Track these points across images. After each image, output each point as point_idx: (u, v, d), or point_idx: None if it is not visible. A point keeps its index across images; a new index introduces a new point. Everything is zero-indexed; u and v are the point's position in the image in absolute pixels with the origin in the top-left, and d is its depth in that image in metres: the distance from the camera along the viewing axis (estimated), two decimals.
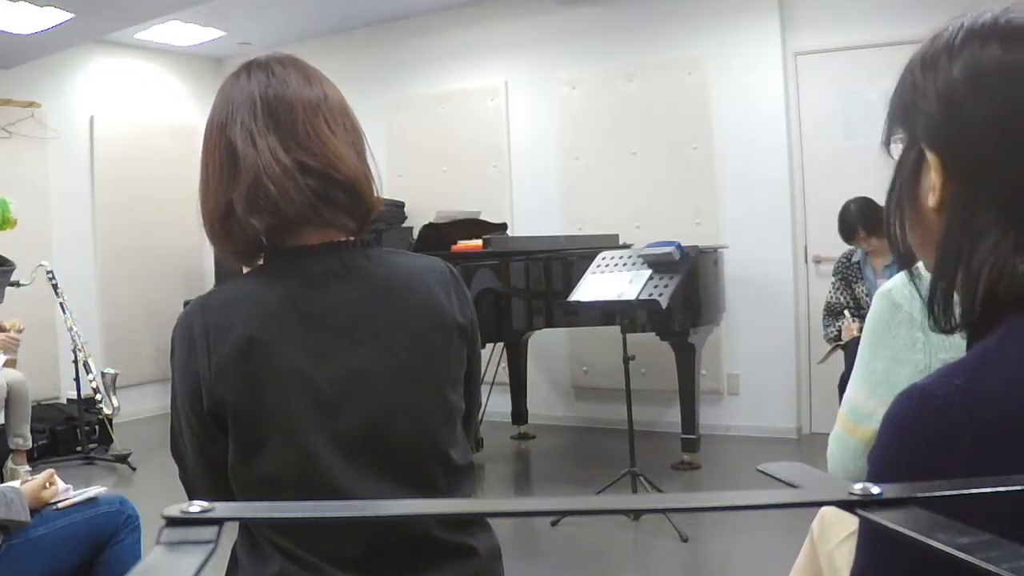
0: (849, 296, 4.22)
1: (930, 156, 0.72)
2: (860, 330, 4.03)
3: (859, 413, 1.39)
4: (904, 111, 0.75)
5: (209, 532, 0.44)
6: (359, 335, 1.14)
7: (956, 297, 0.72)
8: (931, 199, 0.72)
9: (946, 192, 0.71)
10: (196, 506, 0.46)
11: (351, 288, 1.16)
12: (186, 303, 5.87)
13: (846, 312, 4.18)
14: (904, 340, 1.34)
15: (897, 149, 0.77)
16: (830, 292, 4.29)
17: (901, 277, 1.34)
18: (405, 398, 1.15)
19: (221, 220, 1.14)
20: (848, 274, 4.24)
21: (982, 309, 0.68)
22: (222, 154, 1.14)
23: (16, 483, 2.14)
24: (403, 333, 1.16)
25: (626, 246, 5.08)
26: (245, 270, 1.21)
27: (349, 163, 1.15)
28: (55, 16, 4.79)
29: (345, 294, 1.15)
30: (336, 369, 1.12)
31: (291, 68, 1.20)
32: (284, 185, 1.10)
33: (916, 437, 0.63)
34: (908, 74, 0.76)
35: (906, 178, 0.75)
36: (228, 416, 1.10)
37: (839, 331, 4.17)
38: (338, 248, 1.17)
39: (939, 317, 0.73)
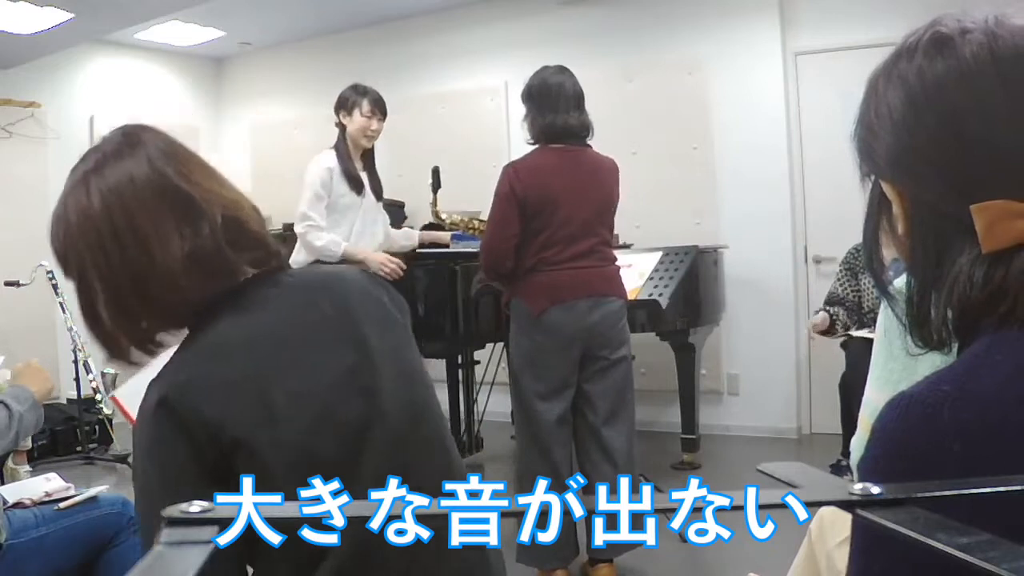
0: (853, 287, 4.21)
1: (885, 186, 0.74)
2: (820, 325, 4.05)
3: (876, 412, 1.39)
4: (860, 143, 0.78)
5: (209, 532, 0.44)
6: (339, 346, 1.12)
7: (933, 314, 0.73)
8: (900, 227, 0.74)
9: (908, 217, 0.72)
10: (196, 506, 0.46)
11: (291, 311, 1.13)
12: None
13: (821, 309, 4.20)
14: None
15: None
16: (834, 283, 4.29)
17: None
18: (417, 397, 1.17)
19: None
20: (855, 264, 4.23)
21: (961, 321, 0.68)
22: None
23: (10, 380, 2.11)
24: (372, 333, 1.15)
25: (626, 246, 5.08)
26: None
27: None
28: (55, 16, 4.78)
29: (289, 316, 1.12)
30: (346, 407, 1.08)
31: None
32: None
33: (906, 445, 0.63)
34: (863, 102, 0.77)
35: (879, 210, 0.77)
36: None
37: (821, 320, 4.11)
38: (259, 281, 1.15)
39: (925, 338, 0.74)
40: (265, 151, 6.84)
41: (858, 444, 1.46)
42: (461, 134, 5.87)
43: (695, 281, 4.43)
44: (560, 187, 3.08)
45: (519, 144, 5.91)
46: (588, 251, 3.15)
